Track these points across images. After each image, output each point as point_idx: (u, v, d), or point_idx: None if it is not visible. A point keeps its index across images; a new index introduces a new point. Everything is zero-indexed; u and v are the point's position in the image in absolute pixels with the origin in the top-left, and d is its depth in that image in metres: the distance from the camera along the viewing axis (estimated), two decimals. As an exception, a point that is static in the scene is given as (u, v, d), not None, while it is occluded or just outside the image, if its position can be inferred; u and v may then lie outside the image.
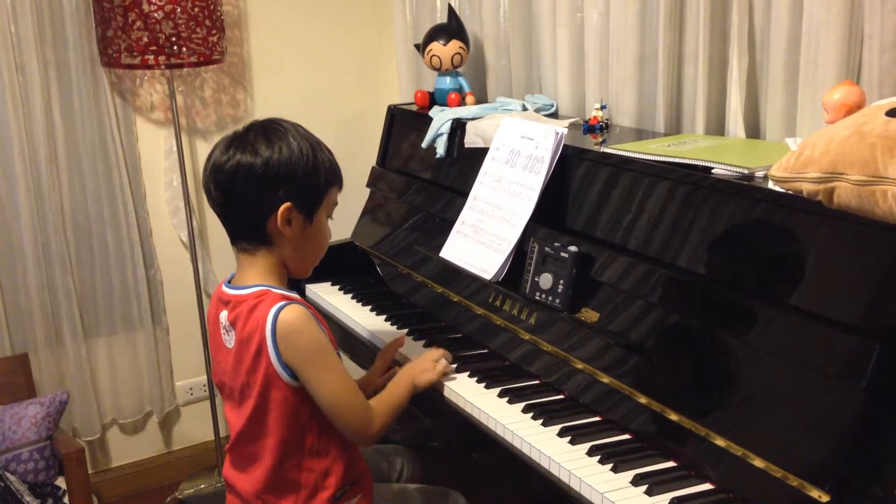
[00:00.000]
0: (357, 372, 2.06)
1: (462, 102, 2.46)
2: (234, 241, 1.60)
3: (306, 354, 1.52)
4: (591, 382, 1.67)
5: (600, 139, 2.07)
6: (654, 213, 1.70)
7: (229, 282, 1.62)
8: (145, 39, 2.46)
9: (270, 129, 1.55)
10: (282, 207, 1.53)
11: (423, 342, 1.99)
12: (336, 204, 1.64)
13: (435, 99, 2.56)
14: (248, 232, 1.57)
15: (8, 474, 2.33)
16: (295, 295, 1.57)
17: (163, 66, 2.55)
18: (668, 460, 1.47)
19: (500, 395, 1.72)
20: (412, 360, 1.81)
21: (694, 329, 1.54)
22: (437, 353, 1.81)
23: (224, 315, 1.58)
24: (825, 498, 1.22)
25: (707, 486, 1.40)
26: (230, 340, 1.57)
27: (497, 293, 1.93)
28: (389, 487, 1.88)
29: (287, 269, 1.61)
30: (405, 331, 2.06)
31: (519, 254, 1.91)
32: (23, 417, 2.42)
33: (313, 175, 1.55)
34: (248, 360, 1.53)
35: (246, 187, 1.52)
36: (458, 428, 1.76)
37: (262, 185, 1.52)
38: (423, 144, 2.37)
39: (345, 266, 2.47)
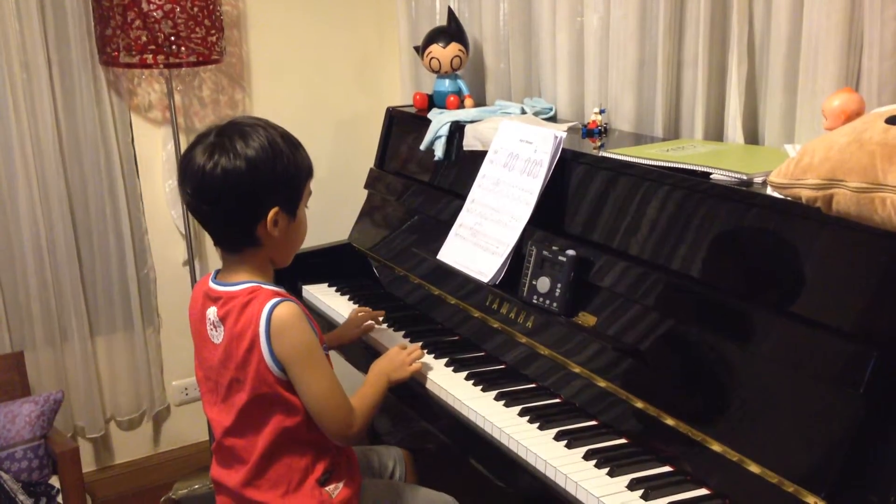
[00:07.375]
0: (351, 371, 2.06)
1: (461, 105, 2.46)
2: (217, 243, 1.63)
3: (297, 352, 1.54)
4: (588, 386, 1.67)
5: (599, 143, 2.07)
6: (652, 218, 1.70)
7: (214, 278, 1.63)
8: (144, 38, 2.46)
9: (248, 135, 1.53)
10: (270, 213, 1.54)
11: (419, 344, 1.97)
12: (311, 193, 1.65)
13: (434, 101, 2.56)
14: (234, 238, 1.59)
15: (1, 473, 2.32)
16: (284, 291, 1.59)
17: (161, 66, 2.55)
18: (665, 465, 1.47)
19: (497, 398, 1.72)
20: (383, 356, 1.82)
21: (691, 334, 1.54)
22: (408, 346, 1.84)
23: (213, 311, 1.59)
24: (821, 504, 1.23)
25: (703, 492, 1.40)
26: (218, 336, 1.59)
27: (494, 296, 1.93)
28: (380, 482, 1.89)
29: (272, 262, 1.65)
30: (401, 333, 2.06)
31: (517, 257, 1.91)
32: (17, 416, 2.41)
33: (295, 177, 1.58)
34: (238, 355, 1.55)
35: (234, 200, 1.52)
36: (453, 430, 1.75)
37: (250, 196, 1.53)
38: (422, 147, 2.36)
39: (342, 267, 2.47)
